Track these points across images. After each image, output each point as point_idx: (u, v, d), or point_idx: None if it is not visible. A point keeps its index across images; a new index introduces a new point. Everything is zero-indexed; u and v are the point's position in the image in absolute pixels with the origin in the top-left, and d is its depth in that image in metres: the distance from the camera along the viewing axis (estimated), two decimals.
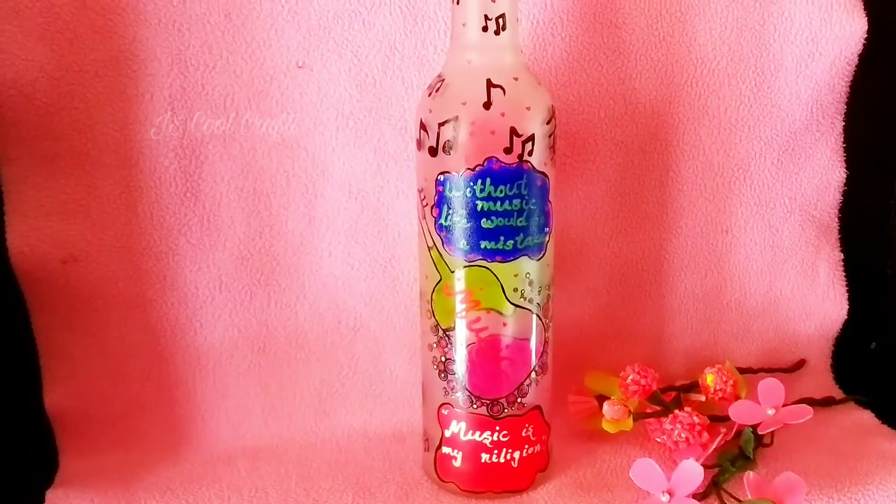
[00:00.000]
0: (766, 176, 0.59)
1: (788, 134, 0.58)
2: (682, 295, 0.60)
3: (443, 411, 0.49)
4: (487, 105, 0.44)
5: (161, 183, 0.51)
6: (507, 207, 0.45)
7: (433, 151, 0.46)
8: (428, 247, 0.47)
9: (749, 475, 0.46)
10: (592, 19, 0.54)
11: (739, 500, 0.47)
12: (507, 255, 0.46)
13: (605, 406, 0.52)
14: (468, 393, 0.48)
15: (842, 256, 0.62)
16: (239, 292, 0.54)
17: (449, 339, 0.48)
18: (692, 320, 0.61)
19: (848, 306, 0.62)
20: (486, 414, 0.48)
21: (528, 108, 0.45)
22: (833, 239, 0.61)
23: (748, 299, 0.61)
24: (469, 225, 0.46)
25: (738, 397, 0.56)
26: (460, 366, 0.48)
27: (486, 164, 0.45)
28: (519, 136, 0.45)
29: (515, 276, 0.47)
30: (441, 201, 0.46)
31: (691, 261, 0.59)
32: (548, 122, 0.46)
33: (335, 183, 0.53)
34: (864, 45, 0.56)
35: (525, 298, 0.47)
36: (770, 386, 0.52)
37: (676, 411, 0.53)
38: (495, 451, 0.49)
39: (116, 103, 0.49)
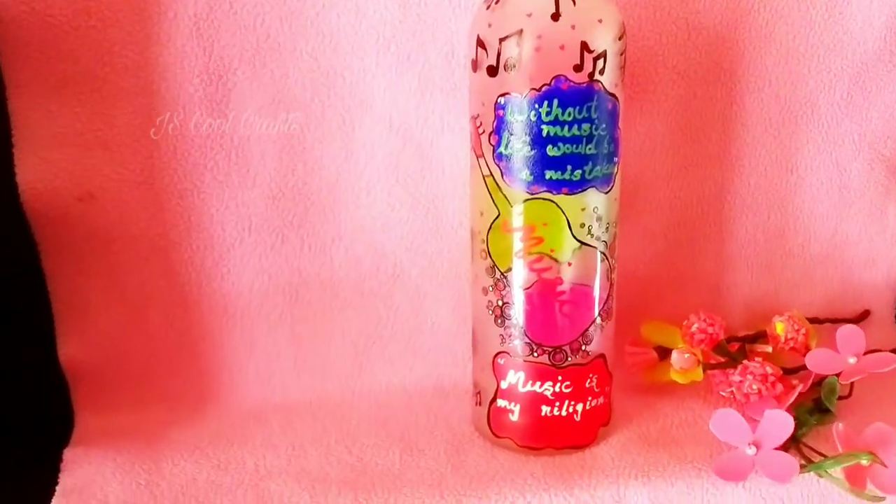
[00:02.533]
0: (834, 110, 0.54)
1: (860, 65, 0.54)
2: (742, 240, 0.56)
3: (499, 361, 0.45)
4: (556, 16, 0.40)
5: (185, 112, 0.46)
6: (575, 133, 0.41)
7: (493, 71, 0.41)
8: (484, 178, 0.43)
9: (838, 426, 0.42)
10: None
11: (825, 455, 0.43)
12: (574, 187, 0.42)
13: (674, 354, 0.48)
14: (528, 340, 0.44)
15: None
16: (269, 235, 0.49)
17: (506, 281, 0.43)
18: (752, 267, 0.57)
19: None
20: (548, 363, 0.44)
21: (601, 21, 0.41)
22: None
23: (812, 245, 0.57)
24: (533, 153, 0.41)
25: (808, 348, 0.52)
26: (519, 310, 0.44)
27: (553, 83, 0.40)
28: (590, 51, 0.40)
29: (583, 210, 0.42)
30: (501, 127, 0.41)
31: (754, 202, 0.55)
32: (619, 38, 0.42)
33: (375, 114, 0.49)
34: None
35: (592, 235, 0.43)
36: (850, 333, 0.49)
37: (746, 362, 0.49)
38: (557, 404, 0.45)
39: (136, 22, 0.44)
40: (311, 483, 0.43)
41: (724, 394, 0.50)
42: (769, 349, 0.52)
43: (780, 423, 0.41)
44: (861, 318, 0.59)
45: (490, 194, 0.43)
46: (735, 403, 0.50)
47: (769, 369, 0.48)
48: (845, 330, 0.48)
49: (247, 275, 0.50)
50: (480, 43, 0.42)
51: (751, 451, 0.41)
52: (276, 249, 0.50)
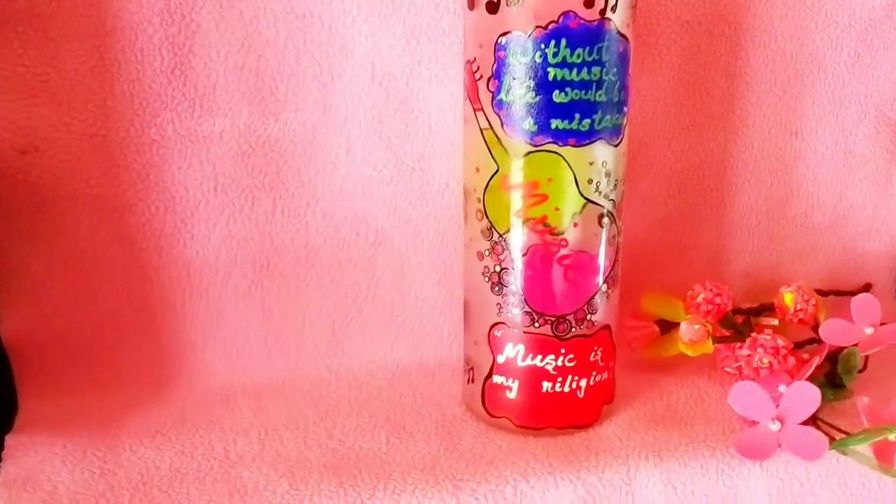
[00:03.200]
0: (841, 69, 0.51)
1: (867, 21, 0.51)
2: (745, 207, 0.53)
3: (495, 333, 0.41)
4: None
5: (144, 56, 0.41)
6: (584, 77, 0.37)
7: (493, 7, 0.37)
8: (482, 130, 0.39)
9: (863, 400, 0.39)
10: None
11: (845, 432, 0.39)
12: (582, 138, 0.38)
13: (683, 326, 0.44)
14: (528, 309, 0.40)
15: None
16: (238, 196, 0.44)
17: (505, 244, 0.39)
18: (754, 237, 0.54)
19: None
20: (550, 334, 0.40)
21: None
22: None
23: (815, 213, 0.54)
24: (538, 99, 0.37)
25: (815, 320, 0.49)
26: (518, 276, 0.39)
27: (561, 20, 0.36)
28: None
29: (590, 164, 0.38)
30: (501, 71, 0.37)
31: (757, 167, 0.52)
32: None
33: (356, 63, 0.44)
34: None
35: (600, 193, 0.39)
36: (865, 302, 0.45)
37: (755, 334, 0.46)
38: (559, 379, 0.41)
39: None
40: (289, 469, 0.38)
41: (729, 370, 0.47)
42: (776, 322, 0.49)
43: (806, 395, 0.38)
44: (863, 290, 0.56)
45: (488, 147, 0.39)
46: (741, 380, 0.46)
47: (780, 342, 0.45)
48: (860, 299, 0.45)
49: (212, 241, 0.45)
50: None
51: (775, 426, 0.38)
52: (246, 213, 0.45)
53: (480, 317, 0.42)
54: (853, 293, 0.55)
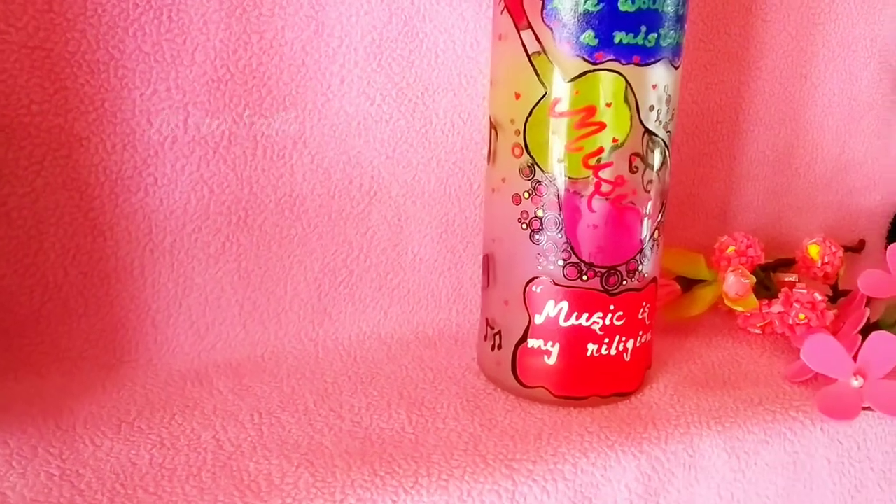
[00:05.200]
0: (850, 10, 0.49)
1: None
2: (754, 155, 0.49)
3: (533, 289, 0.35)
4: None
5: None
6: None
7: None
8: (525, 47, 0.33)
9: None
10: None
11: None
12: (647, 56, 0.32)
13: (730, 277, 0.40)
14: (576, 259, 0.34)
15: None
16: (212, 133, 0.37)
17: (552, 183, 0.34)
18: (760, 189, 0.50)
19: None
20: (600, 288, 0.35)
21: None
22: None
23: (818, 164, 0.51)
24: (600, 7, 0.31)
25: (837, 274, 0.46)
26: (567, 221, 0.34)
27: None
28: None
29: (654, 87, 0.33)
30: None
31: (767, 113, 0.49)
32: None
33: None
34: None
35: (660, 123, 0.34)
36: None
37: (787, 290, 0.42)
38: (606, 341, 0.35)
39: None
40: (305, 458, 0.31)
41: (755, 330, 0.43)
42: (795, 278, 0.46)
43: (886, 346, 0.34)
44: (859, 246, 0.54)
45: (534, 67, 0.33)
46: (772, 340, 0.43)
47: (818, 296, 0.41)
48: None
49: (181, 187, 0.37)
50: None
51: (857, 382, 0.34)
52: (221, 153, 0.37)
53: (513, 271, 0.36)
54: (848, 248, 0.53)
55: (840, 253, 0.45)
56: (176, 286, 0.38)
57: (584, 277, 0.34)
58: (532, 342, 0.36)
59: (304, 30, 0.37)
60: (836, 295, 0.46)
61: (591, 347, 0.35)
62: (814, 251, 0.45)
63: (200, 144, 0.36)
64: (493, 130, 0.35)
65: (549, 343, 0.35)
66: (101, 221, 0.36)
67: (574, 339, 0.35)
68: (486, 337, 0.38)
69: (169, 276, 0.38)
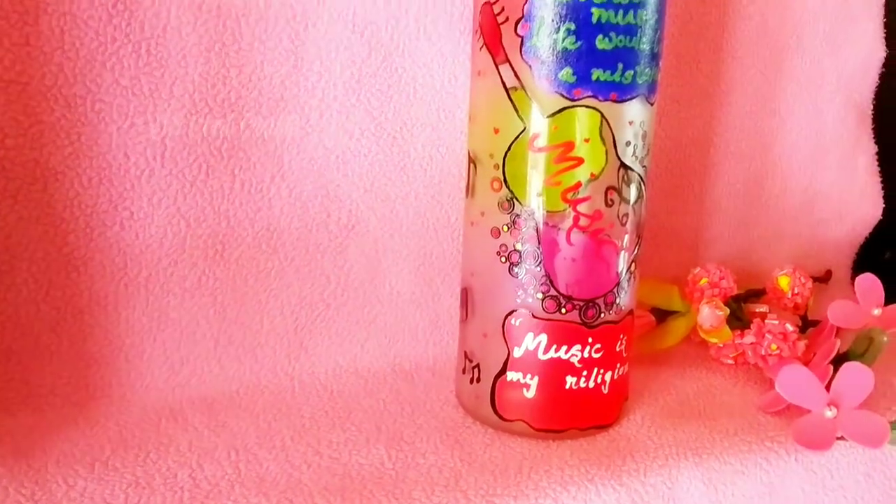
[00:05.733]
0: (817, 47, 0.50)
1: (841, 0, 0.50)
2: (724, 188, 0.50)
3: (512, 322, 0.35)
4: None
5: None
6: (629, 21, 0.32)
7: None
8: (504, 83, 0.33)
9: None
10: None
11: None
12: (624, 92, 0.33)
13: (704, 309, 0.41)
14: (555, 292, 0.34)
15: (876, 149, 0.54)
16: (190, 166, 0.36)
17: (530, 217, 0.34)
18: (731, 221, 0.51)
19: (884, 206, 0.55)
20: (578, 321, 0.35)
21: None
22: (869, 128, 0.54)
23: (787, 197, 0.52)
24: (578, 45, 0.32)
25: (807, 306, 0.47)
26: (546, 254, 0.34)
27: None
28: None
29: (630, 123, 0.34)
30: (535, 11, 0.32)
31: (738, 146, 0.49)
32: None
33: (335, 9, 0.37)
34: None
35: (636, 158, 0.34)
36: (869, 283, 0.44)
37: (760, 320, 0.43)
38: (584, 373, 0.35)
39: None
40: (284, 496, 0.31)
41: (728, 361, 0.44)
42: (766, 309, 0.46)
43: (858, 377, 0.35)
44: (826, 277, 0.55)
45: (513, 103, 0.33)
46: (745, 371, 0.43)
47: (790, 326, 0.42)
48: (865, 280, 0.43)
49: (157, 221, 0.36)
50: None
51: (831, 412, 0.34)
52: (198, 187, 0.37)
53: (492, 304, 0.36)
54: (816, 279, 0.54)
55: (809, 284, 0.46)
56: (150, 321, 0.37)
57: (563, 310, 0.35)
58: (511, 375, 0.36)
59: (284, 64, 0.37)
60: (806, 325, 0.47)
61: (570, 380, 0.35)
62: (784, 282, 0.45)
63: (178, 178, 0.36)
64: (471, 165, 0.36)
65: (528, 376, 0.35)
66: (76, 256, 0.35)
67: (553, 372, 0.35)
68: (464, 370, 0.38)
69: (143, 310, 0.37)
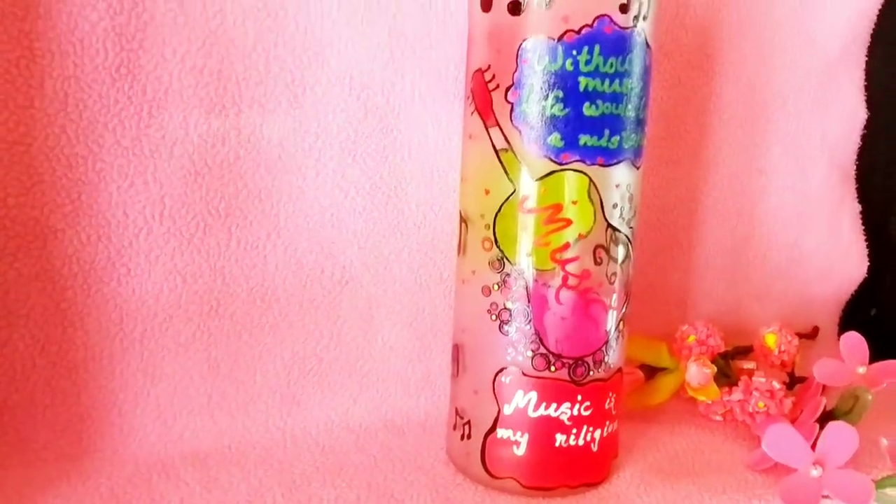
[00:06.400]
0: (801, 108, 0.51)
1: (826, 62, 0.51)
2: (712, 246, 0.51)
3: (502, 380, 0.36)
4: None
5: (84, 49, 0.34)
6: (615, 89, 0.33)
7: (516, 8, 0.33)
8: (495, 147, 0.34)
9: (884, 442, 0.37)
10: None
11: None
12: (611, 157, 0.34)
13: (692, 367, 0.41)
14: (545, 350, 0.35)
15: (860, 209, 0.55)
16: (187, 223, 0.37)
17: (520, 276, 0.35)
18: (718, 279, 0.52)
19: (868, 264, 0.56)
20: (567, 379, 0.35)
21: None
22: (852, 188, 0.55)
23: (773, 255, 0.53)
24: (566, 111, 0.33)
25: (794, 363, 0.47)
26: (536, 313, 0.35)
27: (595, 25, 0.33)
28: None
29: (616, 187, 0.35)
30: (524, 79, 0.33)
31: (724, 206, 0.51)
32: None
33: (332, 72, 0.38)
34: None
35: (623, 220, 0.35)
36: (854, 341, 0.44)
37: (747, 378, 0.43)
38: (573, 431, 0.36)
39: None
40: None
41: (716, 417, 0.44)
42: (753, 366, 0.47)
43: (843, 436, 0.35)
44: (813, 334, 0.55)
45: (503, 166, 0.34)
46: (733, 428, 0.44)
47: (776, 384, 0.43)
48: (850, 338, 0.44)
49: (153, 277, 0.37)
50: None
51: (816, 472, 0.35)
52: (195, 244, 0.38)
53: (482, 361, 0.36)
54: (803, 335, 0.55)
55: (795, 342, 0.46)
56: (144, 376, 0.38)
57: (553, 368, 0.35)
58: (501, 432, 0.36)
59: (282, 124, 0.38)
60: (794, 381, 0.47)
61: (560, 438, 0.36)
62: (770, 340, 0.46)
63: (175, 235, 0.37)
64: (463, 224, 0.37)
65: (518, 433, 0.36)
66: (73, 312, 0.36)
67: (543, 430, 0.36)
68: (455, 426, 0.38)
69: (138, 365, 0.38)
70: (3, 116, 0.33)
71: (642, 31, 0.34)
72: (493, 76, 0.34)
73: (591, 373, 0.36)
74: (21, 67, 0.33)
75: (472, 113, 0.35)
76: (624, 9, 0.33)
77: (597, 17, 0.32)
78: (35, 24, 0.33)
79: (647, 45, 0.34)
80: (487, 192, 0.35)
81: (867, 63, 0.53)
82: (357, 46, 0.38)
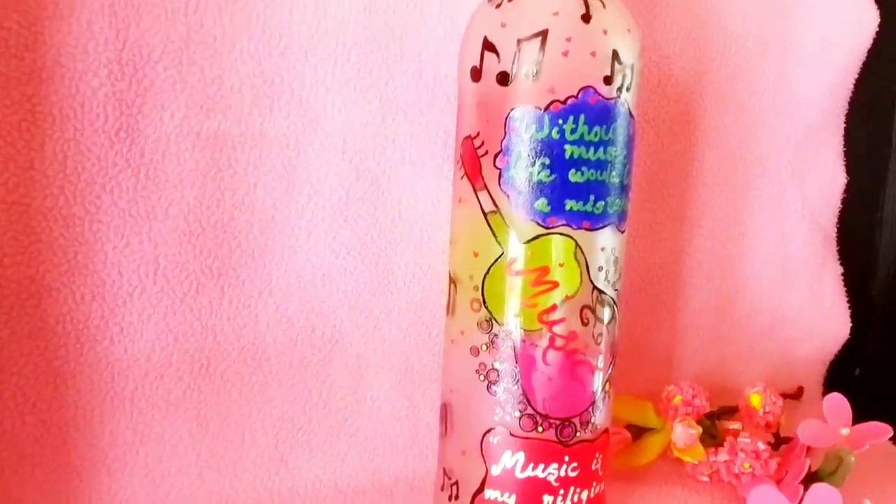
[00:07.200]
0: (782, 174, 0.53)
1: (805, 128, 0.53)
2: (697, 307, 0.52)
3: (490, 440, 0.36)
4: (587, 17, 0.34)
5: (84, 112, 0.35)
6: (600, 156, 0.35)
7: (504, 79, 0.34)
8: (484, 211, 0.35)
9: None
10: None
11: None
12: (596, 221, 0.35)
13: (678, 428, 0.42)
14: (532, 411, 0.35)
15: (841, 270, 0.56)
16: (180, 283, 0.38)
17: (508, 337, 0.35)
18: (703, 339, 0.53)
19: (851, 325, 0.57)
20: (555, 439, 0.36)
21: (629, 31, 0.35)
22: (833, 250, 0.56)
23: (757, 316, 0.54)
24: (552, 178, 0.34)
25: (779, 423, 0.48)
26: (523, 373, 0.35)
27: (580, 96, 0.34)
28: (621, 63, 0.34)
29: (602, 250, 0.36)
30: (512, 146, 0.34)
31: (709, 267, 0.51)
32: (640, 56, 0.36)
33: (325, 137, 0.39)
34: (874, 38, 0.53)
35: (608, 282, 0.36)
36: (837, 403, 0.45)
37: (734, 438, 0.44)
38: (561, 492, 0.36)
39: None
40: None
41: (703, 478, 0.45)
42: (739, 426, 0.47)
43: (827, 498, 0.36)
44: (797, 394, 0.56)
45: (492, 229, 0.35)
46: (719, 488, 0.44)
47: (762, 445, 0.43)
48: (833, 399, 0.45)
49: (146, 336, 0.37)
50: (488, 46, 0.35)
51: None
52: (188, 303, 0.38)
53: (470, 422, 0.37)
54: (789, 396, 0.55)
55: (780, 402, 0.47)
56: (134, 434, 0.38)
57: (540, 429, 0.36)
58: (489, 493, 0.36)
59: (276, 188, 0.39)
60: (779, 442, 0.47)
61: (547, 499, 0.36)
62: (755, 400, 0.46)
63: (168, 294, 0.38)
64: (452, 284, 0.37)
65: (506, 494, 0.36)
66: (64, 370, 0.36)
67: (530, 491, 0.36)
68: (443, 487, 0.38)
69: (128, 424, 0.38)
70: (4, 177, 0.34)
71: (625, 101, 0.35)
72: (483, 143, 0.35)
73: (578, 433, 0.36)
74: (22, 130, 0.34)
75: (462, 177, 0.36)
76: (608, 80, 0.34)
77: (582, 89, 0.34)
78: (38, 88, 0.34)
79: (631, 114, 0.36)
80: (476, 254, 0.36)
81: (846, 129, 0.55)
82: (350, 112, 0.40)
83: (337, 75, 0.39)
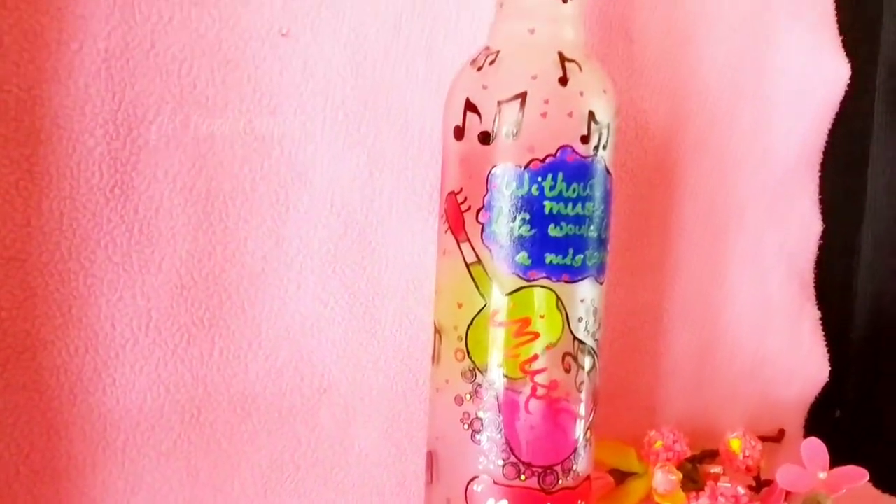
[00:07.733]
0: (759, 221, 0.54)
1: (781, 175, 0.55)
2: (678, 353, 0.53)
3: (474, 488, 0.37)
4: (564, 80, 0.35)
5: (80, 171, 0.36)
6: (578, 212, 0.36)
7: (485, 138, 0.36)
8: (467, 264, 0.36)
9: None
10: (608, 27, 0.47)
11: None
12: (575, 274, 0.36)
13: (658, 475, 0.42)
14: (515, 459, 0.36)
15: (819, 314, 0.58)
16: (172, 334, 0.39)
17: (491, 386, 0.36)
18: (686, 384, 0.54)
19: (830, 368, 0.58)
20: (537, 487, 0.37)
21: (605, 92, 0.37)
22: (811, 295, 0.58)
23: (738, 360, 0.55)
24: (532, 232, 0.35)
25: (759, 467, 0.49)
26: (506, 422, 0.36)
27: (559, 154, 0.35)
28: (597, 122, 0.36)
29: (581, 301, 0.37)
30: (494, 202, 0.36)
31: (689, 313, 0.53)
32: (616, 115, 0.38)
33: (314, 192, 0.41)
34: (846, 90, 0.55)
35: (588, 332, 0.37)
36: (814, 447, 0.46)
37: (714, 483, 0.44)
38: None
39: (27, 49, 0.34)
40: None
41: None
42: (720, 470, 0.48)
43: None
44: (779, 437, 0.57)
45: (475, 282, 0.36)
46: None
47: (741, 490, 0.44)
48: (810, 444, 0.45)
49: (138, 387, 0.38)
50: (471, 107, 0.36)
51: None
52: (179, 354, 0.39)
53: (455, 470, 0.38)
54: (770, 439, 0.56)
55: (759, 446, 0.48)
56: (125, 484, 0.39)
57: (523, 477, 0.36)
58: None
59: (266, 241, 0.40)
60: (760, 485, 0.48)
61: None
62: (735, 445, 0.47)
63: (160, 346, 0.38)
64: (437, 334, 0.38)
65: None
66: (58, 421, 0.37)
67: None
68: None
69: (119, 474, 0.38)
70: (1, 234, 0.35)
71: (602, 158, 0.37)
72: (466, 198, 0.36)
73: (561, 481, 0.37)
74: (20, 188, 0.35)
75: (446, 231, 0.37)
76: (585, 140, 0.36)
77: (560, 147, 0.35)
78: (36, 148, 0.35)
79: (608, 171, 0.37)
80: (460, 305, 0.37)
81: (821, 177, 0.57)
82: (338, 167, 0.41)
83: (325, 132, 0.40)
